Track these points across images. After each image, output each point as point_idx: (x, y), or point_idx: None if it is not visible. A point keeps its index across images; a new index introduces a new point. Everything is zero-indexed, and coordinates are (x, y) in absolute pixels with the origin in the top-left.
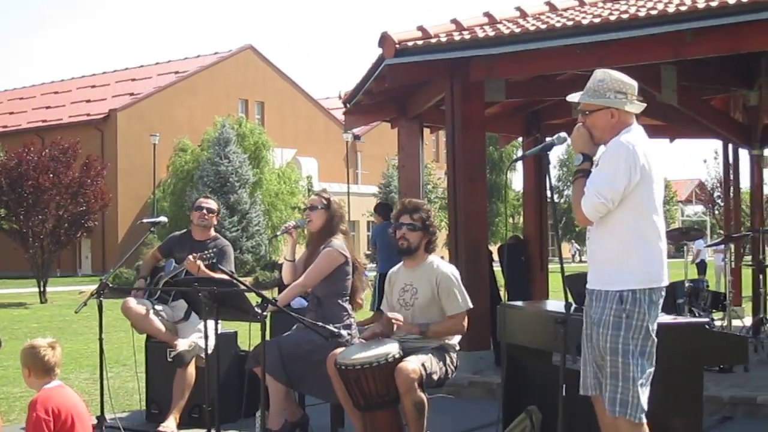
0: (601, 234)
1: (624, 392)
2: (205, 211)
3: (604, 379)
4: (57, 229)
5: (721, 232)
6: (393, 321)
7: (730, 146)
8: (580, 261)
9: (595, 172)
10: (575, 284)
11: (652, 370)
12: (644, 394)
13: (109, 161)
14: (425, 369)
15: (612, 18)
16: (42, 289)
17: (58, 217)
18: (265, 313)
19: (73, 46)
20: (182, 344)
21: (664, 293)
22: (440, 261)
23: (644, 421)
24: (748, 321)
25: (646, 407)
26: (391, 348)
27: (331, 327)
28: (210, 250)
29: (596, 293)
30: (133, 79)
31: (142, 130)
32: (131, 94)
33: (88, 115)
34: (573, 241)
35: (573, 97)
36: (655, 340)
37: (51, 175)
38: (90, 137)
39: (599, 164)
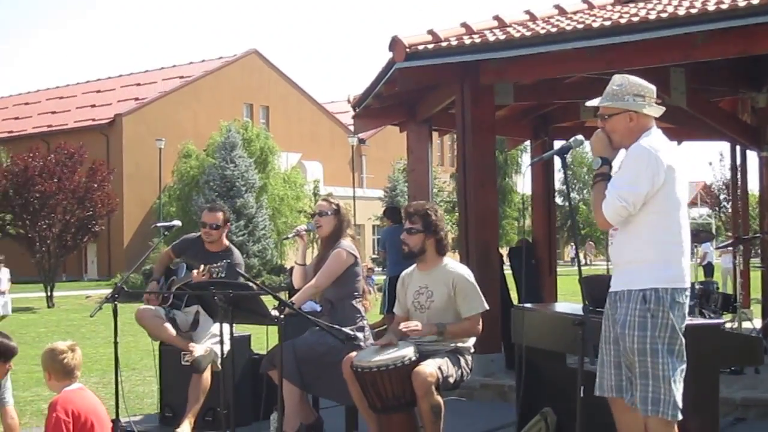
0: (625, 237)
1: (655, 391)
2: (208, 228)
3: (635, 380)
4: (63, 234)
5: (729, 234)
6: (408, 331)
7: (738, 148)
8: (586, 263)
9: (616, 176)
10: (591, 286)
11: (684, 367)
12: (678, 392)
13: (114, 166)
14: (442, 372)
15: (622, 21)
16: (49, 294)
17: (64, 222)
18: (282, 316)
19: (77, 51)
20: (198, 350)
21: (688, 294)
22: (455, 263)
23: (679, 418)
24: (757, 323)
25: (681, 404)
26: (408, 351)
27: (346, 330)
28: (219, 264)
29: (619, 294)
30: (139, 84)
31: (147, 135)
32: (136, 99)
33: (93, 120)
34: (572, 244)
35: (592, 103)
36: (683, 339)
37: (57, 180)
38: (95, 142)
39: (621, 168)
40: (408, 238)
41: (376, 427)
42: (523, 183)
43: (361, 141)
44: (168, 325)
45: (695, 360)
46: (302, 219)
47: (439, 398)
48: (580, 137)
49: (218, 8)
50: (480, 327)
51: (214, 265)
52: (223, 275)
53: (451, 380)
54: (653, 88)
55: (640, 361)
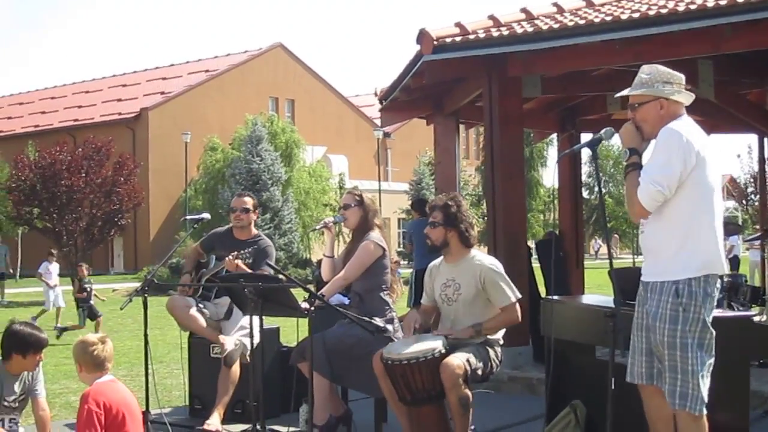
0: (656, 225)
1: (684, 385)
2: (238, 212)
3: (664, 372)
4: (90, 228)
5: (756, 227)
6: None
7: (766, 141)
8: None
9: (648, 162)
10: (621, 279)
11: (712, 361)
12: (705, 386)
13: (140, 160)
14: (470, 364)
15: (651, 13)
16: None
17: (91, 215)
18: (312, 308)
19: (104, 45)
20: (229, 343)
21: (719, 284)
22: (482, 255)
23: (705, 413)
24: None
25: (706, 399)
26: (437, 343)
27: (376, 321)
28: (247, 250)
29: (651, 285)
30: (164, 78)
31: (173, 129)
32: (162, 93)
33: (119, 114)
34: (596, 237)
35: (622, 93)
36: (713, 331)
37: (84, 175)
38: (121, 136)
39: (652, 154)
40: (431, 231)
41: (406, 419)
42: (554, 175)
43: (387, 134)
44: (198, 315)
45: (725, 353)
46: (328, 212)
47: (467, 391)
48: (611, 129)
49: (244, 2)
50: (519, 314)
51: (243, 252)
52: (250, 261)
53: (480, 372)
54: (682, 75)
55: (669, 354)
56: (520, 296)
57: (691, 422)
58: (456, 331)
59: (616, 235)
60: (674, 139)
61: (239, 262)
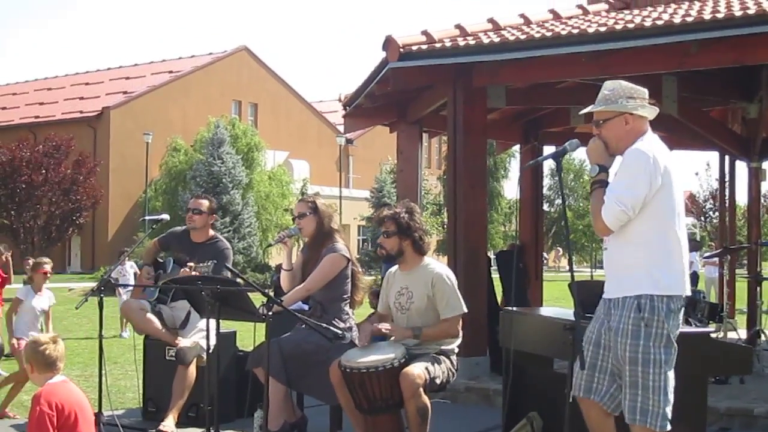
0: (620, 243)
1: (644, 401)
2: (191, 213)
3: (624, 388)
4: (48, 226)
5: (712, 244)
6: (383, 330)
7: (727, 158)
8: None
9: (614, 181)
10: (582, 291)
11: (673, 376)
12: (668, 403)
13: (101, 159)
14: (429, 374)
15: (618, 27)
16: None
17: (49, 213)
18: (270, 313)
19: (67, 43)
20: (184, 342)
21: (683, 304)
22: (436, 263)
23: (667, 429)
24: (742, 333)
25: (669, 416)
26: (397, 352)
27: (334, 329)
28: (206, 263)
29: (614, 302)
30: (127, 78)
31: (134, 129)
32: (125, 93)
33: (81, 112)
34: (558, 247)
35: (585, 110)
36: (677, 347)
37: (44, 171)
38: (83, 134)
39: (618, 173)
40: (384, 241)
41: (361, 428)
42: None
43: (349, 141)
44: (154, 318)
45: (683, 368)
46: (288, 217)
47: (426, 400)
48: (576, 141)
49: (209, 4)
50: (459, 329)
51: (201, 265)
52: (209, 274)
53: (438, 381)
54: (645, 90)
55: (630, 370)
56: (465, 311)
57: None
58: (395, 330)
59: (558, 248)
60: (642, 160)
61: (196, 274)
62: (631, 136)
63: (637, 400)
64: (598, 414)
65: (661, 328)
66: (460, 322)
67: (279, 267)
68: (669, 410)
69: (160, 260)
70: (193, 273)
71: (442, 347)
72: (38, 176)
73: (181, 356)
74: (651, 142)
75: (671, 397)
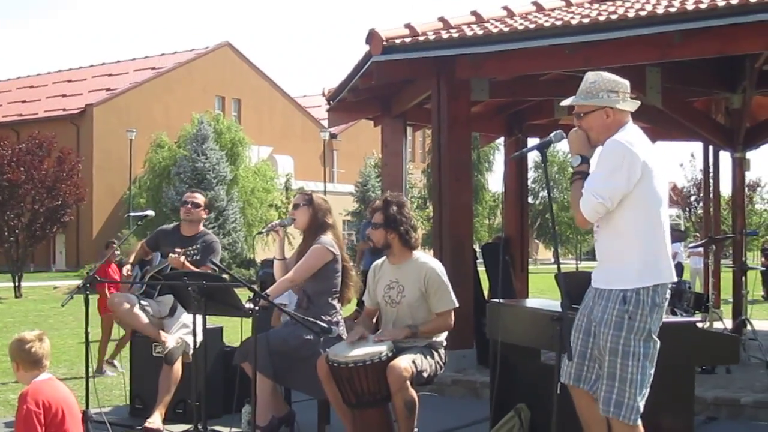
0: (607, 233)
1: (620, 394)
2: (189, 205)
3: (602, 378)
4: (32, 224)
5: (697, 235)
6: (378, 340)
7: (711, 149)
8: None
9: (592, 173)
10: (568, 283)
11: (652, 371)
12: (642, 397)
13: (84, 156)
14: (416, 367)
15: (601, 18)
16: (17, 284)
17: (33, 211)
18: (256, 308)
19: (49, 40)
20: (170, 341)
21: (669, 294)
22: (427, 257)
23: (639, 423)
24: (728, 323)
25: (642, 409)
26: (384, 346)
27: (321, 323)
28: (194, 247)
29: (600, 292)
30: (110, 75)
31: (118, 126)
32: (108, 90)
33: (64, 109)
34: (538, 240)
35: (566, 102)
36: (658, 342)
37: (26, 170)
38: (66, 132)
39: (596, 165)
40: (372, 233)
41: (349, 422)
42: (503, 178)
43: (333, 136)
44: (140, 312)
45: (670, 358)
46: (272, 213)
47: (413, 393)
48: (560, 132)
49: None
50: (452, 321)
51: (188, 249)
52: (198, 257)
53: (425, 375)
54: (627, 83)
55: (610, 360)
56: (457, 305)
57: (624, 430)
58: (391, 332)
59: (537, 241)
60: (619, 151)
61: (184, 258)
62: (612, 129)
63: (613, 391)
64: (588, 402)
65: (644, 322)
66: (453, 316)
67: (265, 262)
68: (642, 404)
69: (146, 259)
70: (182, 258)
71: (431, 340)
72: (21, 174)
73: (168, 358)
74: (630, 133)
75: (647, 391)
